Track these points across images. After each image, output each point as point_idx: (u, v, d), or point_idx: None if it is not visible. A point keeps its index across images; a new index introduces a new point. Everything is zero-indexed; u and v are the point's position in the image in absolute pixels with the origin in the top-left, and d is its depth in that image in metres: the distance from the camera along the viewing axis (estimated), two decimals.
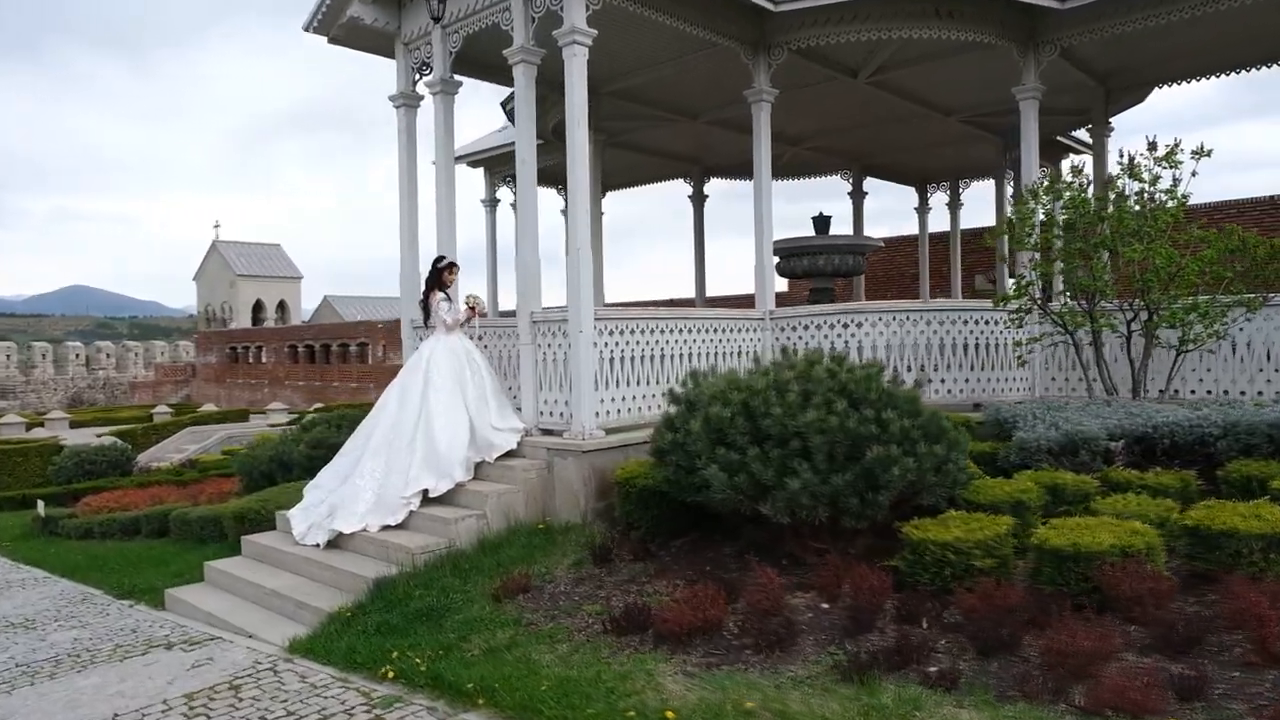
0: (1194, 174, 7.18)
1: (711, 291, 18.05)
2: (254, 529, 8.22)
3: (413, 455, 7.25)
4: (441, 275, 7.93)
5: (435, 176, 8.97)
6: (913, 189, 17.53)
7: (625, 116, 12.17)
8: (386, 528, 6.97)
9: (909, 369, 8.56)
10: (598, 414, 7.41)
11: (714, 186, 16.44)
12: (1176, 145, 7.26)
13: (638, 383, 7.86)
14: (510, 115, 12.69)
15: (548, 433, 7.75)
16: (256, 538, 7.69)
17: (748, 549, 6.23)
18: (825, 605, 5.06)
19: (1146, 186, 7.20)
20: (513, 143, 14.27)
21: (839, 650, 4.43)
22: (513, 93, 12.35)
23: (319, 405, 30.19)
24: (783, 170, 16.21)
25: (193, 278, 56.09)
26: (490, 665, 4.83)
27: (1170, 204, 7.12)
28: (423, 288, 8.12)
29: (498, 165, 15.38)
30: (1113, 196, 7.33)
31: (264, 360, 39.71)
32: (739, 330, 8.94)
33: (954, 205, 17.26)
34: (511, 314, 8.72)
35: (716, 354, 8.65)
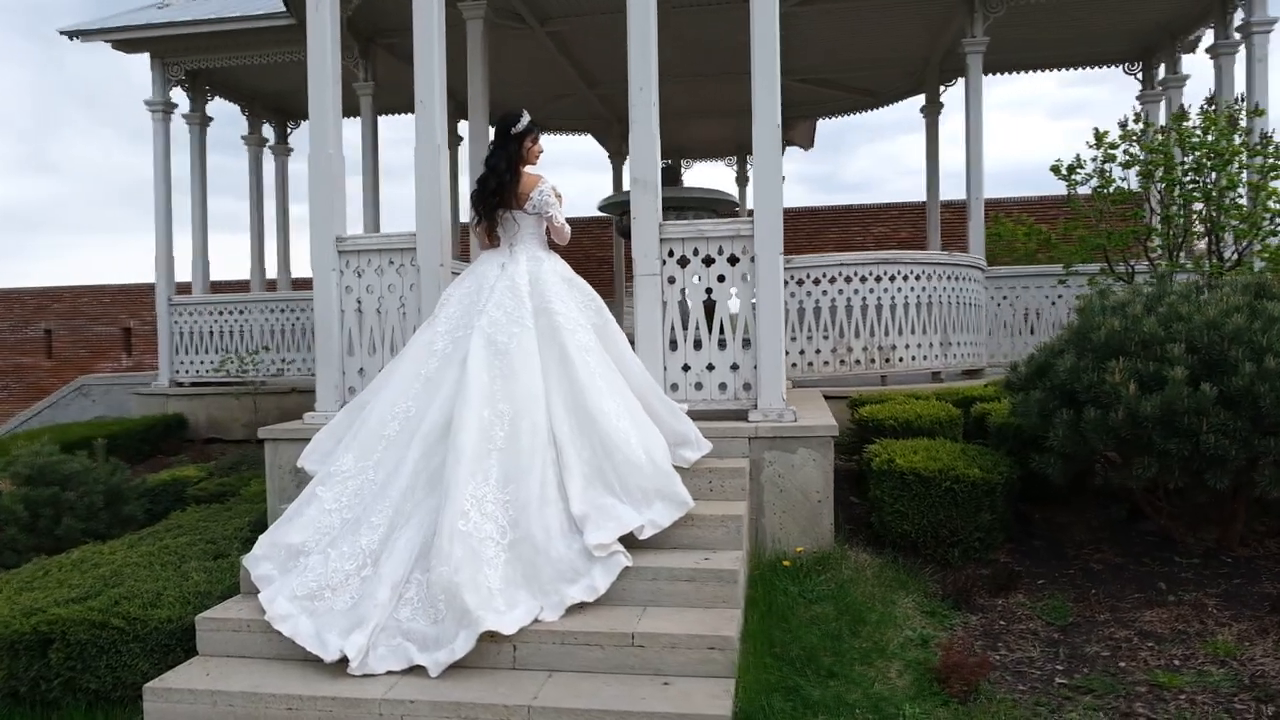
0: None
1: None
2: (75, 661, 3.71)
3: (564, 465, 3.82)
4: (523, 144, 4.46)
5: None
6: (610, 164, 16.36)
7: None
8: (577, 608, 3.53)
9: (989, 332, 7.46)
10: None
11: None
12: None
13: (790, 339, 5.41)
14: None
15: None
16: (177, 680, 3.38)
17: (1147, 550, 4.50)
18: None
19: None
20: (244, 18, 9.55)
21: None
22: None
23: None
24: (542, 124, 13.80)
25: None
26: None
27: None
28: (481, 171, 4.44)
29: (183, 51, 10.20)
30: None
31: None
32: None
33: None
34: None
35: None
